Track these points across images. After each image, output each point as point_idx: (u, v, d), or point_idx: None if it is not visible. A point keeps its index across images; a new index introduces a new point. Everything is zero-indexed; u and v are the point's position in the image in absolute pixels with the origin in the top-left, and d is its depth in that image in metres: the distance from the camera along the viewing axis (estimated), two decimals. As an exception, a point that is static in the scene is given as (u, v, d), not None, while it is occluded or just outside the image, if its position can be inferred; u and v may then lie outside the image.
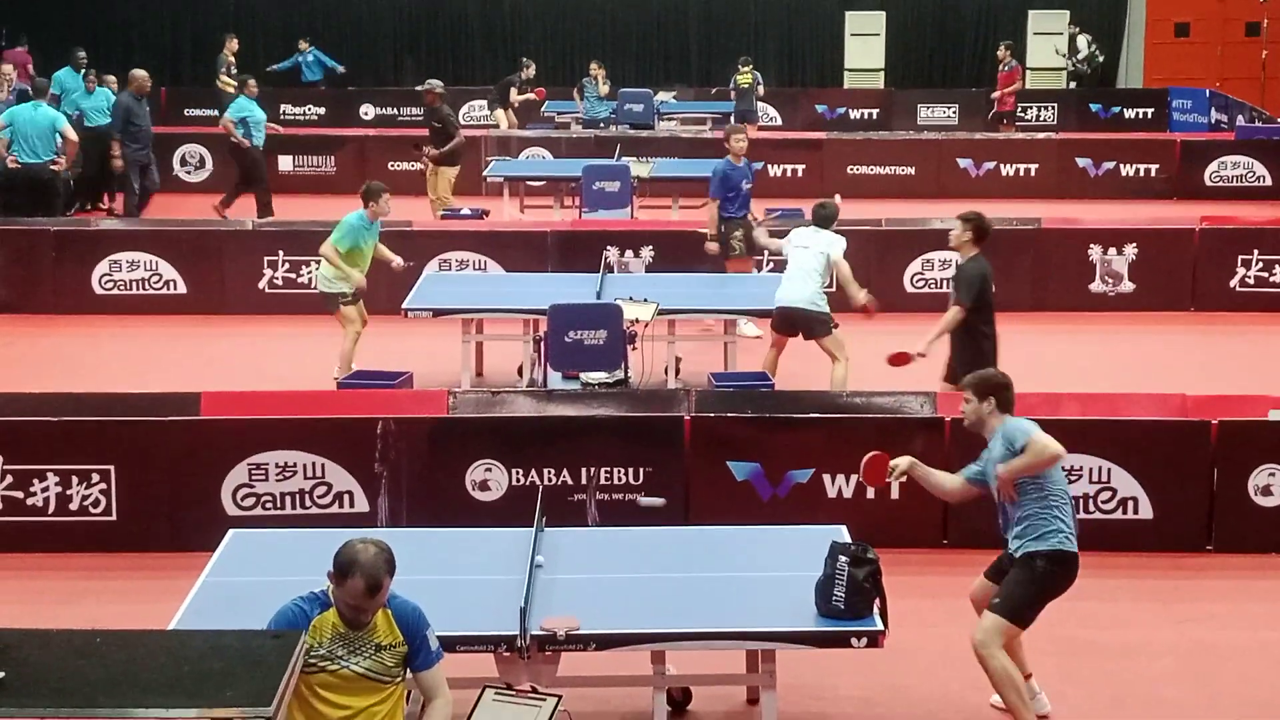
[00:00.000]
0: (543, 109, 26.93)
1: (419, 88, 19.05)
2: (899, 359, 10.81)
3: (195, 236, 16.37)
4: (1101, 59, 29.72)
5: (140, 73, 19.32)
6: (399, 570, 6.12)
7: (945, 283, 15.82)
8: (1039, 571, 7.37)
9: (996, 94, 26.45)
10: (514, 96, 26.20)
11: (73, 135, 17.89)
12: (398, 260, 13.33)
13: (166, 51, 31.25)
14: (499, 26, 31.88)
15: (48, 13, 29.66)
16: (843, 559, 6.91)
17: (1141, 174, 22.46)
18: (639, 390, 11.49)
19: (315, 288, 13.58)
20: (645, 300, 12.24)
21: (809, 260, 12.29)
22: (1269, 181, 22.34)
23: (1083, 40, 29.35)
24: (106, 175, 19.89)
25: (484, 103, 27.94)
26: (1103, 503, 9.92)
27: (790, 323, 12.35)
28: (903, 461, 7.71)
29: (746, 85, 25.77)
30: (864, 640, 6.87)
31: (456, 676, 6.56)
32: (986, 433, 7.64)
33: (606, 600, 7.20)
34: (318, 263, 13.30)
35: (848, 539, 7.42)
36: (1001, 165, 22.64)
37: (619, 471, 9.91)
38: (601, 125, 25.04)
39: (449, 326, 13.08)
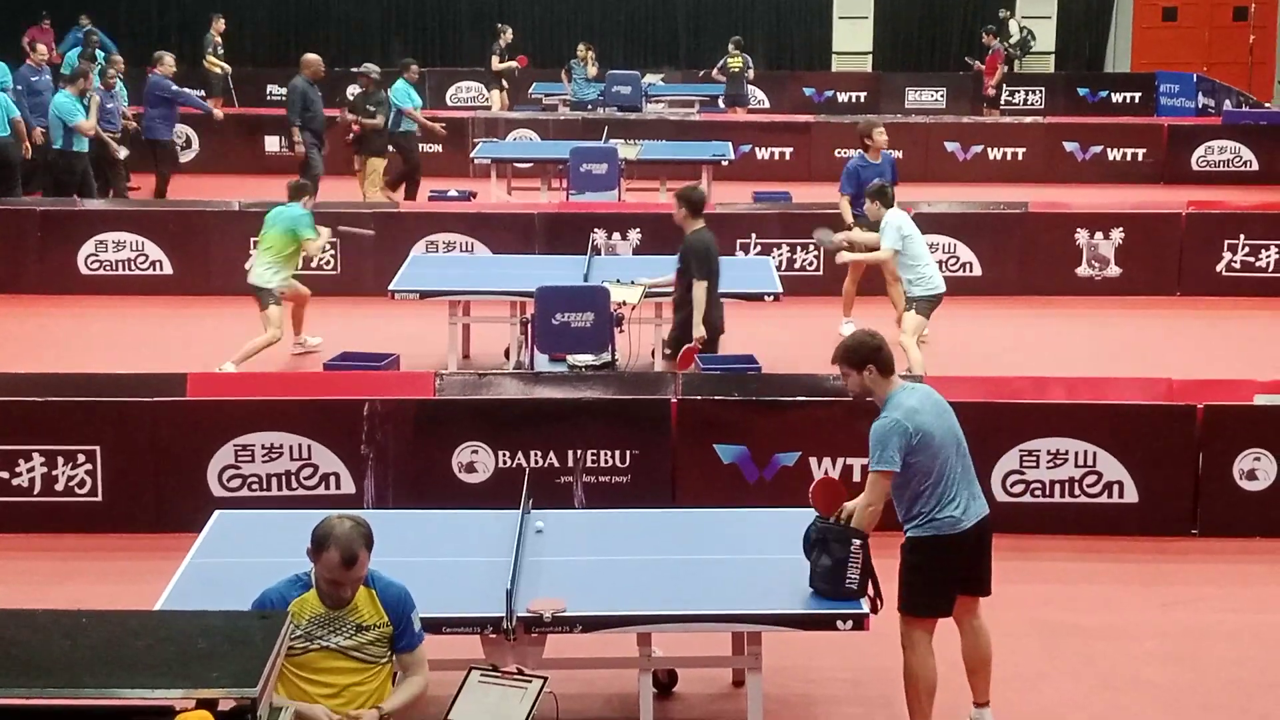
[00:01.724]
0: (530, 91, 26.91)
1: (355, 70, 18.77)
2: (687, 356, 11.22)
3: (181, 217, 16.32)
4: (1035, 43, 29.67)
5: (314, 58, 18.78)
6: (386, 552, 6.12)
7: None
8: (915, 557, 7.11)
9: (989, 81, 26.54)
10: (496, 65, 26.17)
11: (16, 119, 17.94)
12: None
13: (153, 31, 31.13)
14: (487, 7, 31.81)
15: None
16: (856, 541, 6.86)
17: (1129, 158, 22.48)
18: (626, 373, 11.49)
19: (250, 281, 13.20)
20: (632, 283, 12.24)
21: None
22: (1256, 166, 22.39)
23: (1014, 25, 29.24)
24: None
25: (470, 84, 27.93)
26: (1088, 486, 9.94)
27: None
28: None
29: (737, 69, 25.75)
30: (850, 623, 6.88)
31: (443, 658, 6.58)
32: (879, 402, 7.19)
33: (593, 582, 7.20)
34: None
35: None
36: (989, 149, 22.66)
37: (605, 454, 9.91)
38: (589, 107, 25.02)
39: (436, 308, 13.08)
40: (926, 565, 7.10)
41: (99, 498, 9.86)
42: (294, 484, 9.87)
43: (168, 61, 19.44)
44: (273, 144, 22.20)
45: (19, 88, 19.28)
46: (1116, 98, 28.64)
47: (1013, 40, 28.64)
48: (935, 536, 7.06)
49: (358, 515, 6.12)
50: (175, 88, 19.32)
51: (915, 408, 7.06)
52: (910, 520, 7.12)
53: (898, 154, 22.17)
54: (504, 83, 26.39)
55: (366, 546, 6.02)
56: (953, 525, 7.06)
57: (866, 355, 7.14)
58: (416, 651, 6.23)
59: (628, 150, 19.19)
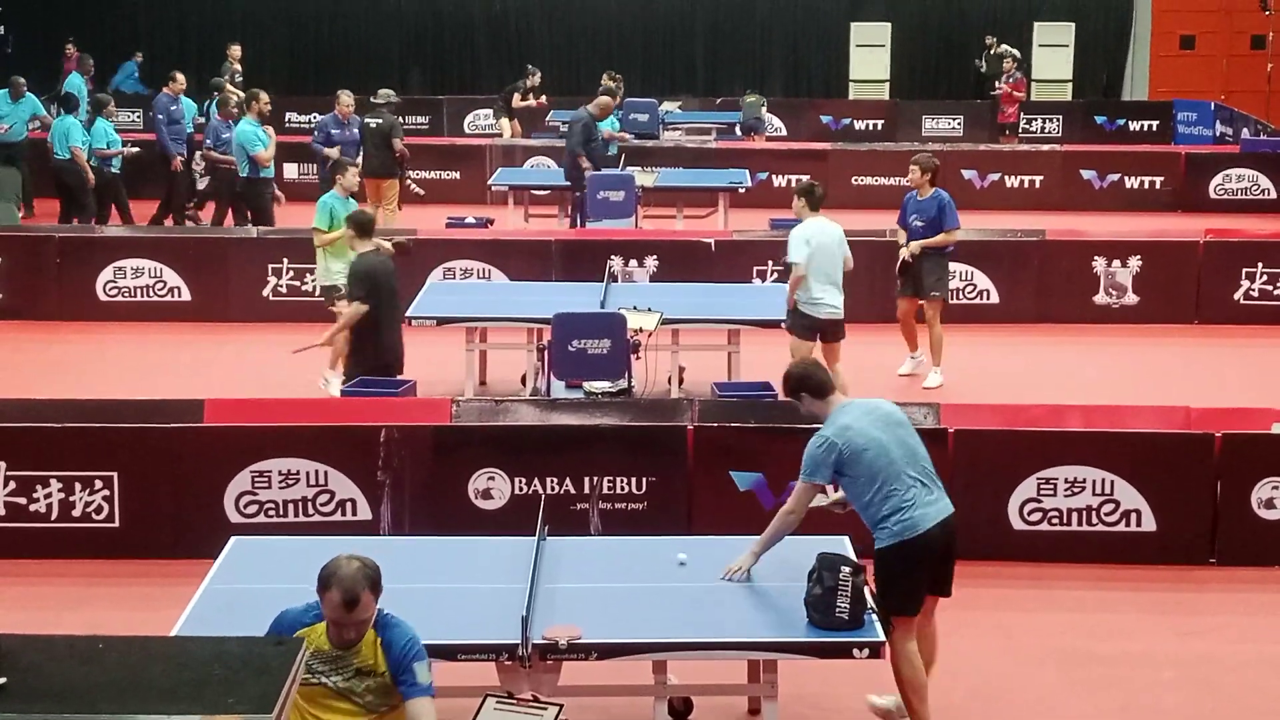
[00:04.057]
0: (547, 118, 26.98)
1: (372, 99, 18.79)
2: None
3: (200, 244, 16.38)
4: (1020, 69, 29.68)
5: (605, 98, 19.08)
6: (402, 579, 6.10)
7: (953, 293, 15.84)
8: (886, 567, 7.30)
9: (1008, 109, 26.59)
10: (516, 101, 26.27)
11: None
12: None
13: (172, 57, 31.25)
14: (505, 36, 31.92)
15: (57, 14, 29.70)
16: (845, 569, 6.92)
17: (1146, 186, 22.47)
18: (642, 400, 11.50)
19: (316, 284, 13.50)
20: (649, 310, 12.26)
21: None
22: (1273, 194, 22.37)
23: (1005, 50, 29.00)
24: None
25: (489, 112, 27.99)
26: (1106, 515, 9.91)
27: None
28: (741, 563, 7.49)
29: (752, 103, 25.94)
30: (866, 651, 6.87)
31: (458, 685, 6.57)
32: (822, 421, 7.59)
33: (608, 609, 7.19)
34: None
35: (849, 551, 7.43)
36: (1006, 177, 22.66)
37: (622, 481, 9.91)
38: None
39: (453, 335, 13.10)
40: (898, 574, 7.28)
41: (116, 523, 9.88)
42: (311, 510, 9.87)
43: (353, 99, 18.92)
44: (291, 171, 22.25)
45: (159, 116, 19.56)
46: (1134, 126, 28.64)
47: (1006, 67, 28.56)
48: (900, 544, 7.25)
49: (367, 557, 5.93)
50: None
51: (848, 424, 7.39)
52: (875, 531, 7.34)
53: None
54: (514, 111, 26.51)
55: (371, 589, 5.81)
56: (913, 528, 7.26)
57: (794, 385, 7.65)
58: (418, 703, 5.86)
59: (645, 177, 19.23)
